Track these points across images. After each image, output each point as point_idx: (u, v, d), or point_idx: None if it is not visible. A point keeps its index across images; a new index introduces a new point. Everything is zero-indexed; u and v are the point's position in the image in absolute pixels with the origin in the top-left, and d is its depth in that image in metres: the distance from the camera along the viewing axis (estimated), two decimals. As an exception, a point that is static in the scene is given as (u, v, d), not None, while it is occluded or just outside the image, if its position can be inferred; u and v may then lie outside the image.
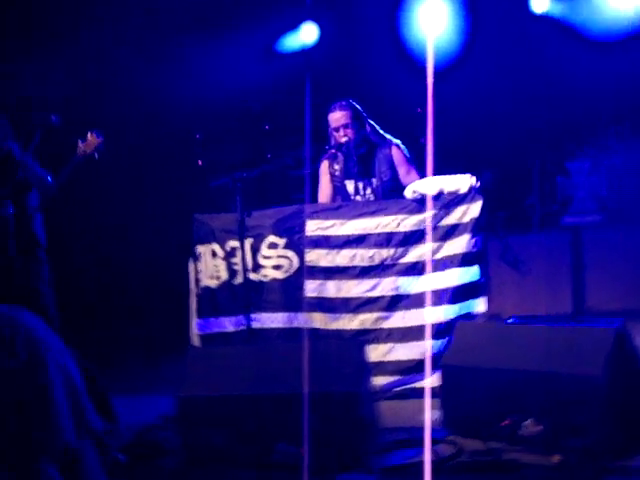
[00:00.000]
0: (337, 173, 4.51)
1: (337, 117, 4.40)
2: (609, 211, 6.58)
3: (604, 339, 3.09)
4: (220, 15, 7.19)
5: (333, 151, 4.48)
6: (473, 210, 4.00)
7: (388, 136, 4.50)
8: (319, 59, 7.29)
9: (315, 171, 4.66)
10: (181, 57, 7.13)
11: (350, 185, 4.50)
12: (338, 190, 4.54)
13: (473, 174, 4.12)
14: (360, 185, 4.48)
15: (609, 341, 3.08)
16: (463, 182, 4.03)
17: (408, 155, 4.47)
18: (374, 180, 4.44)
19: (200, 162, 7.19)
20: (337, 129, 4.41)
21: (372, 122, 4.49)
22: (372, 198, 4.44)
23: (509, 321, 3.83)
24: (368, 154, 4.45)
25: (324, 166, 4.58)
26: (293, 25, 7.46)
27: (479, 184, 4.04)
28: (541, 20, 7.22)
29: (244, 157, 6.95)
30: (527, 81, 7.07)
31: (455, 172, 4.17)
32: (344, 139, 4.39)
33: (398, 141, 4.50)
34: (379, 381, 3.96)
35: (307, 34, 7.38)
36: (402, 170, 4.43)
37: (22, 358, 1.54)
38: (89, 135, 4.18)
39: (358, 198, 4.47)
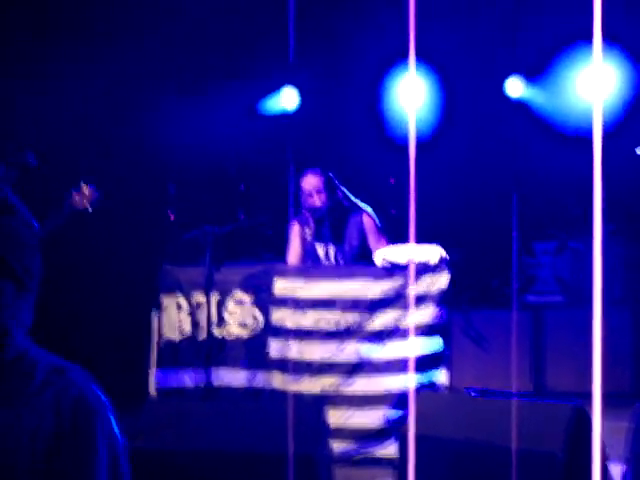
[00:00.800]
0: (308, 237, 4.55)
1: (311, 182, 4.45)
2: (571, 293, 6.69)
3: (563, 416, 3.11)
4: (203, 72, 7.30)
5: (305, 215, 4.52)
6: (441, 282, 4.05)
7: (360, 203, 4.56)
8: (298, 124, 7.41)
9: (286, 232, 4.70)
10: (162, 110, 7.19)
11: (320, 249, 4.53)
12: (308, 254, 4.56)
13: (441, 247, 4.19)
14: (330, 250, 4.51)
15: (568, 418, 3.10)
16: (433, 253, 4.09)
17: (379, 223, 4.53)
18: (344, 245, 4.48)
19: (172, 215, 7.19)
20: (310, 194, 4.46)
21: (344, 189, 4.56)
22: (341, 263, 4.48)
23: (469, 392, 3.84)
24: (339, 220, 4.50)
25: (295, 229, 4.61)
26: (274, 88, 7.60)
27: (448, 257, 4.09)
28: (515, 104, 7.46)
29: (217, 214, 6.97)
30: (499, 162, 7.25)
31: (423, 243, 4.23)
32: (317, 203, 4.44)
33: (369, 209, 4.56)
34: (337, 447, 3.91)
35: (288, 99, 7.52)
36: (372, 238, 4.47)
37: (66, 422, 1.42)
38: (83, 187, 4.09)
39: (328, 263, 4.50)
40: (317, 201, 4.43)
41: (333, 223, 4.49)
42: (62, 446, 1.40)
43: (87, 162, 6.27)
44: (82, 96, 6.68)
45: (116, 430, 1.50)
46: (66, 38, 6.36)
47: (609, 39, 6.54)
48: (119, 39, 6.62)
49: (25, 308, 1.48)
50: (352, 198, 4.55)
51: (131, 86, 6.96)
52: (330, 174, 4.52)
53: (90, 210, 4.07)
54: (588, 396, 4.73)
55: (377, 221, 4.53)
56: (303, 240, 4.56)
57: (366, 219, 4.50)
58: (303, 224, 4.56)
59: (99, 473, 1.43)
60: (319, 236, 4.52)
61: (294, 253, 4.59)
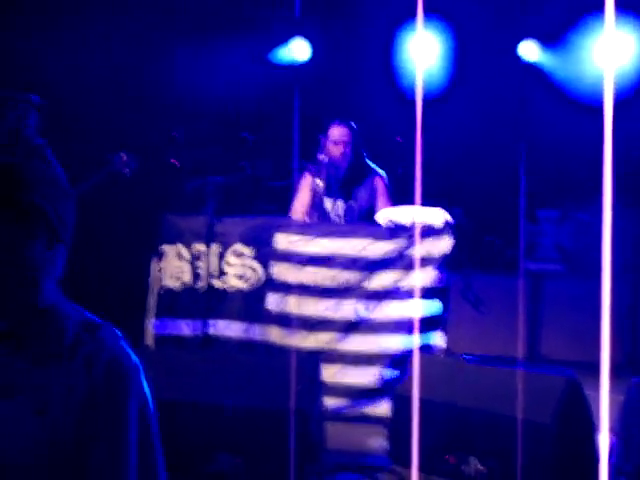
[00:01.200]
0: (318, 189, 4.51)
1: (340, 132, 4.45)
2: (571, 262, 6.68)
3: (556, 386, 3.12)
4: (213, 20, 7.19)
5: (320, 166, 4.48)
6: (444, 245, 4.03)
7: (374, 166, 4.54)
8: (308, 76, 7.32)
9: (292, 184, 4.67)
10: (169, 58, 7.11)
11: (328, 203, 4.50)
12: (316, 206, 4.53)
13: (445, 209, 4.16)
14: (339, 205, 4.49)
15: (560, 389, 3.11)
16: (438, 216, 4.06)
17: (389, 187, 4.52)
18: (352, 203, 4.46)
19: (175, 162, 7.13)
20: (336, 142, 4.43)
21: (364, 151, 4.54)
22: (344, 220, 4.45)
23: (467, 357, 3.85)
24: (353, 177, 4.47)
25: (306, 179, 4.56)
26: (284, 39, 7.49)
27: (453, 221, 4.06)
28: (528, 68, 7.35)
29: (222, 163, 6.92)
30: (509, 125, 7.17)
31: (427, 204, 4.20)
32: (339, 154, 4.40)
33: (383, 172, 4.54)
34: (329, 402, 3.93)
35: (298, 50, 7.41)
36: (382, 200, 4.47)
37: (98, 384, 1.39)
38: (123, 155, 4.21)
39: (334, 217, 4.48)
40: (340, 151, 4.39)
41: (346, 179, 4.46)
42: (94, 408, 1.39)
43: (96, 108, 6.22)
44: (92, 43, 6.60)
45: (147, 391, 1.48)
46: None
47: (624, 8, 6.41)
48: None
49: (57, 259, 1.44)
50: (368, 161, 4.54)
51: (139, 33, 6.87)
52: (357, 130, 4.50)
53: (128, 175, 4.20)
54: (582, 365, 4.76)
55: (388, 186, 4.51)
56: (313, 191, 4.52)
57: (379, 182, 4.49)
58: (315, 175, 4.52)
59: (130, 435, 1.42)
60: (329, 190, 4.50)
61: (301, 203, 4.55)
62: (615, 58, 6.71)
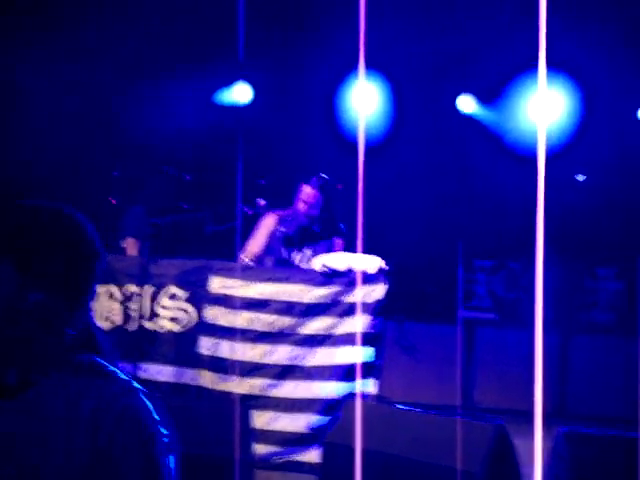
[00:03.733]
0: (279, 234, 4.49)
1: (310, 194, 4.45)
2: (505, 311, 6.80)
3: (486, 435, 3.15)
4: (157, 61, 7.21)
5: (288, 213, 4.50)
6: (378, 292, 4.05)
7: (341, 227, 4.58)
8: (250, 119, 7.37)
9: (229, 230, 4.66)
10: (116, 97, 7.09)
11: (285, 253, 4.50)
12: (273, 251, 4.51)
13: (382, 256, 4.20)
14: (296, 256, 4.48)
15: (490, 437, 3.13)
16: (372, 263, 4.09)
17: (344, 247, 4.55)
18: (307, 251, 4.46)
19: (114, 201, 7.05)
20: (305, 202, 4.45)
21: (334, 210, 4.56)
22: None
23: (397, 406, 3.86)
24: (315, 234, 4.52)
25: (270, 220, 4.53)
26: (229, 82, 7.55)
27: (388, 268, 4.10)
28: (467, 121, 7.55)
29: (161, 203, 6.87)
30: (448, 173, 7.33)
31: (366, 251, 4.24)
32: (305, 212, 4.44)
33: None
34: (260, 450, 3.88)
35: (241, 93, 7.47)
36: None
37: (100, 443, 1.31)
38: None
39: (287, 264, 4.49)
40: (306, 211, 4.45)
41: (308, 235, 4.51)
42: (109, 462, 1.31)
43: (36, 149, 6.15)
44: (35, 82, 6.56)
45: (166, 440, 1.39)
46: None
47: (556, 67, 6.68)
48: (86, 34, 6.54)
49: (55, 310, 1.39)
50: (336, 223, 4.56)
51: (83, 75, 6.86)
52: (330, 191, 4.49)
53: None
54: (513, 413, 4.82)
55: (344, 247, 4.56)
56: (272, 235, 4.49)
57: (338, 243, 4.54)
58: (281, 222, 4.50)
59: None
60: (290, 241, 4.49)
61: (257, 243, 4.49)
62: (547, 113, 6.97)
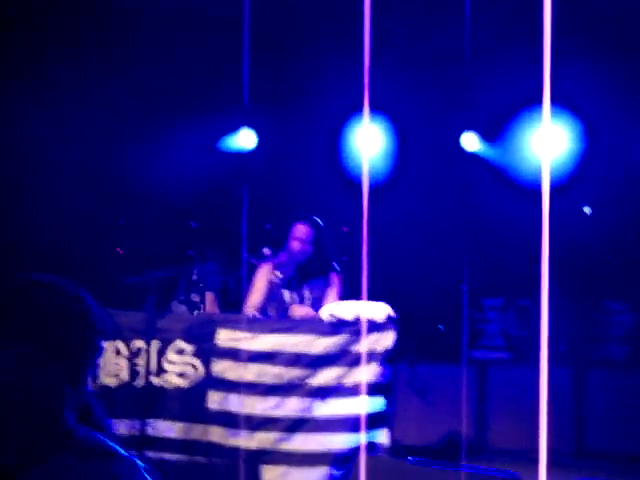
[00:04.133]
0: (277, 280, 4.53)
1: (303, 231, 4.51)
2: (517, 349, 6.73)
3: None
4: (161, 108, 7.27)
5: (281, 258, 4.55)
6: (386, 340, 4.01)
7: (335, 264, 4.59)
8: (255, 165, 7.41)
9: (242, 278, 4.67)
10: (118, 144, 7.14)
11: (287, 295, 4.52)
12: (274, 297, 4.53)
13: (389, 301, 4.17)
14: (296, 296, 4.51)
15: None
16: (380, 310, 4.06)
17: (342, 285, 4.56)
18: (308, 294, 4.49)
19: (120, 250, 7.07)
20: (298, 240, 4.48)
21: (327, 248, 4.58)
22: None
23: (408, 458, 3.80)
24: (311, 272, 4.54)
25: (264, 270, 4.58)
26: (233, 128, 7.60)
27: (395, 315, 4.07)
28: (470, 157, 7.56)
29: (168, 250, 6.88)
30: (452, 212, 7.32)
31: (372, 294, 4.22)
32: (299, 251, 4.48)
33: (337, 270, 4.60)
34: (272, 506, 3.81)
35: (245, 139, 7.51)
36: (332, 295, 4.48)
37: None
38: None
39: (296, 306, 4.49)
40: (300, 249, 4.49)
41: (305, 273, 4.53)
42: None
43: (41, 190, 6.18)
44: (40, 129, 6.62)
45: None
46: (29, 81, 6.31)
47: (560, 102, 6.70)
48: (89, 82, 6.61)
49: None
50: (332, 260, 4.58)
51: (87, 122, 6.91)
52: (321, 228, 4.53)
53: None
54: (530, 453, 4.74)
55: (342, 285, 4.57)
56: (270, 283, 4.53)
57: (335, 279, 4.57)
58: (275, 267, 4.53)
59: None
60: (288, 283, 4.52)
61: (258, 294, 4.54)
62: (551, 148, 6.97)
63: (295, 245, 4.49)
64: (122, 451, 1.37)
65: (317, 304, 4.47)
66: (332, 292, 4.50)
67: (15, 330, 1.34)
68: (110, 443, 1.38)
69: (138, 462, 1.37)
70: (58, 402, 1.35)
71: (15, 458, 1.33)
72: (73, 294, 1.42)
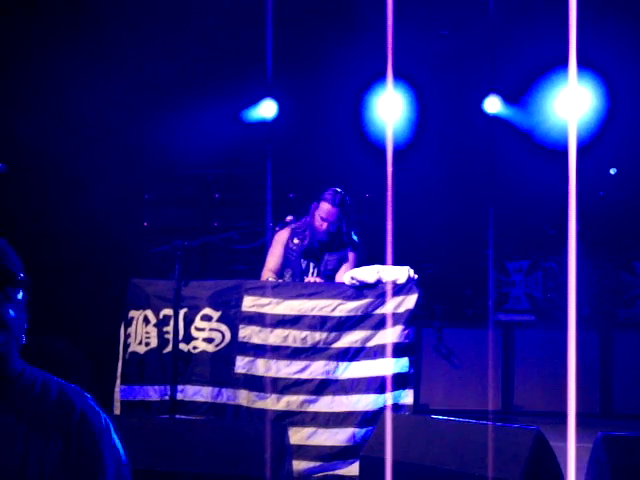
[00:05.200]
0: (295, 247, 4.56)
1: (329, 211, 4.48)
2: (542, 312, 6.73)
3: (524, 442, 3.12)
4: (184, 82, 7.31)
5: (303, 228, 4.56)
6: (409, 302, 4.05)
7: (355, 238, 4.60)
8: (278, 134, 7.43)
9: (260, 247, 4.71)
10: (148, 119, 7.21)
11: (304, 264, 4.56)
12: (291, 264, 4.57)
13: (412, 264, 4.21)
14: (311, 266, 4.55)
15: (528, 444, 3.11)
16: (401, 273, 4.10)
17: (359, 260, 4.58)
18: (323, 267, 4.52)
19: (146, 223, 7.16)
20: (323, 219, 4.49)
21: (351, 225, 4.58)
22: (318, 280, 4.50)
23: (432, 416, 3.85)
24: (330, 247, 4.55)
25: (282, 236, 4.61)
26: (255, 99, 7.62)
27: (417, 276, 4.11)
28: (493, 120, 7.51)
29: (191, 224, 6.97)
30: (475, 176, 7.30)
31: (397, 258, 4.27)
32: (322, 229, 4.49)
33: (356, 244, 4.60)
34: (300, 466, 3.90)
35: (267, 110, 7.53)
36: (343, 270, 4.51)
37: (73, 445, 1.44)
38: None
39: (308, 277, 4.53)
40: (324, 228, 4.49)
41: (323, 247, 4.55)
42: (69, 472, 1.41)
43: (65, 172, 6.27)
44: (64, 105, 6.68)
45: (120, 450, 1.50)
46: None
47: (584, 63, 6.62)
48: (114, 53, 6.65)
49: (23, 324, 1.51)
50: (353, 235, 4.58)
51: (111, 96, 6.96)
52: (348, 207, 4.51)
53: None
54: (556, 415, 4.78)
55: (357, 257, 4.58)
56: (285, 248, 4.56)
57: (351, 256, 4.58)
58: (294, 235, 4.55)
59: None
60: (306, 251, 4.55)
61: (274, 260, 4.59)
62: (576, 109, 6.91)
63: (319, 224, 4.50)
64: (64, 381, 1.51)
65: (332, 277, 4.52)
66: (346, 268, 4.52)
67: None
68: (53, 376, 1.52)
69: (83, 391, 1.52)
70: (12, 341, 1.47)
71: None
72: None
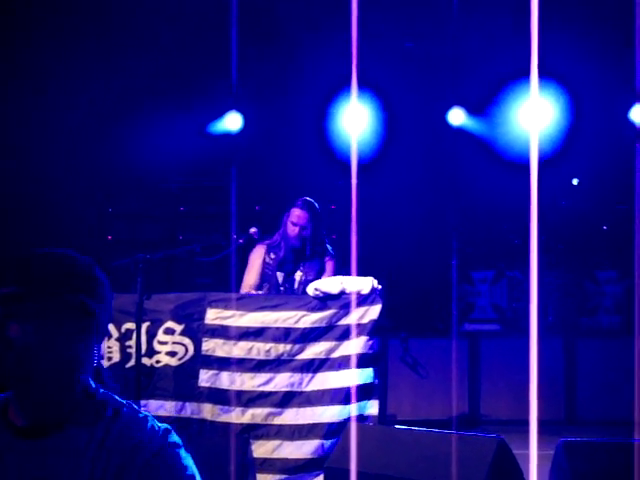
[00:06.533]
0: (271, 262, 4.57)
1: (300, 215, 4.52)
2: (507, 321, 6.79)
3: (486, 449, 3.13)
4: (148, 94, 7.28)
5: (276, 240, 4.57)
6: (372, 312, 4.06)
7: (329, 247, 4.63)
8: (243, 147, 7.43)
9: (224, 260, 4.69)
10: (105, 128, 7.16)
11: (280, 276, 4.56)
12: (268, 278, 4.58)
13: (377, 276, 4.22)
14: (289, 279, 4.56)
15: (490, 452, 3.12)
16: (365, 284, 4.10)
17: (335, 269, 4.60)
18: (302, 276, 4.52)
19: (110, 237, 7.10)
20: (295, 224, 4.51)
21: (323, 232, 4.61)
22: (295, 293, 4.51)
23: (396, 426, 3.85)
24: (305, 255, 4.56)
25: (258, 252, 4.63)
26: (220, 112, 7.61)
27: (381, 287, 4.12)
28: (457, 132, 7.59)
29: (157, 235, 6.92)
30: (440, 188, 7.36)
31: (362, 270, 4.27)
32: (294, 234, 4.50)
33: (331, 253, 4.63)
34: (265, 479, 3.87)
35: (232, 122, 7.53)
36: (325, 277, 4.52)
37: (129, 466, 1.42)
38: None
39: (284, 290, 4.53)
40: (296, 233, 4.51)
41: (299, 256, 4.56)
42: None
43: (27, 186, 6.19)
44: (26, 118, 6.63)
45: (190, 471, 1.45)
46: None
47: (547, 75, 6.72)
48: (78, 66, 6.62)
49: (94, 351, 1.50)
50: (326, 243, 4.60)
51: (77, 107, 6.92)
52: (318, 212, 4.54)
53: None
54: (523, 423, 4.82)
55: (335, 268, 4.60)
56: (264, 264, 4.58)
57: (329, 264, 4.60)
58: (270, 249, 4.56)
59: None
60: (281, 265, 4.55)
61: (253, 274, 4.60)
62: (539, 120, 7.00)
63: (291, 230, 4.52)
64: (145, 412, 1.51)
65: (306, 284, 4.52)
66: (325, 276, 4.54)
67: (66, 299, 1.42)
68: (121, 401, 1.51)
69: (161, 424, 1.50)
70: (84, 366, 1.46)
71: (53, 417, 1.43)
72: (92, 263, 1.50)
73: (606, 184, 7.32)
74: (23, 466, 1.40)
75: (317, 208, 4.59)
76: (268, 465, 3.92)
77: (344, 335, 4.06)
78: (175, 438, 1.47)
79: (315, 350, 4.07)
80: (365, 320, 4.06)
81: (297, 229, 4.51)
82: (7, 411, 1.47)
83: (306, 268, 4.56)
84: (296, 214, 4.52)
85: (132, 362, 4.08)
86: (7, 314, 1.40)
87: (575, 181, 7.56)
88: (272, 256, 4.60)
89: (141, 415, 1.48)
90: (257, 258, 4.63)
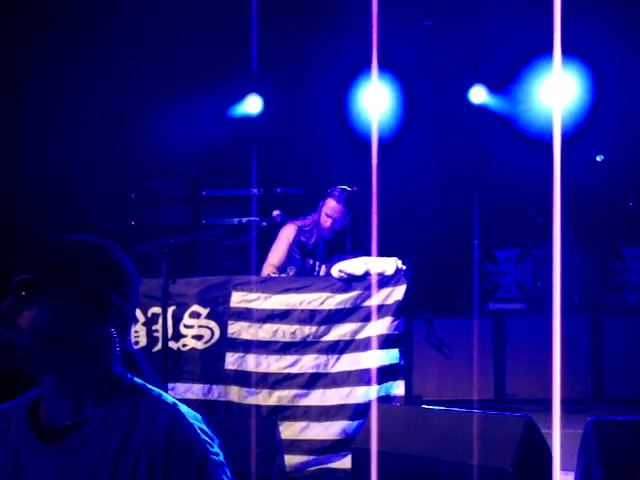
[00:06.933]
0: (300, 246, 4.55)
1: (334, 207, 4.47)
2: (532, 300, 6.75)
3: (514, 429, 3.12)
4: (169, 80, 7.28)
5: (310, 224, 4.53)
6: (397, 293, 4.05)
7: (364, 244, 4.58)
8: (263, 130, 7.41)
9: (248, 242, 4.69)
10: (126, 114, 7.17)
11: (310, 262, 4.55)
12: (294, 261, 4.55)
13: (400, 257, 4.20)
14: (317, 265, 4.54)
15: (519, 431, 3.11)
16: (389, 264, 4.09)
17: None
18: (323, 270, 4.51)
19: (133, 222, 7.14)
20: (329, 215, 4.48)
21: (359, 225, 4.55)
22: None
23: (422, 406, 3.85)
24: (337, 246, 4.53)
25: (287, 231, 4.59)
26: (240, 95, 7.59)
27: (405, 267, 4.10)
28: (479, 110, 7.51)
29: (180, 220, 6.95)
30: (462, 167, 7.30)
31: (384, 252, 4.25)
32: (327, 225, 4.47)
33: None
34: (293, 460, 3.90)
35: (252, 106, 7.51)
36: None
37: (155, 470, 1.39)
38: None
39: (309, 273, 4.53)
40: (329, 225, 4.48)
41: (330, 246, 4.54)
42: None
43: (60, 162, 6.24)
44: (45, 104, 6.65)
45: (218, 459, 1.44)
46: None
47: (569, 51, 6.62)
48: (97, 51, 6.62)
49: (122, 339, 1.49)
50: (361, 239, 4.56)
51: (95, 94, 6.93)
52: (355, 206, 4.48)
53: None
54: (548, 402, 4.81)
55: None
56: (291, 245, 4.54)
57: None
58: (302, 232, 4.53)
59: None
60: (312, 250, 4.54)
61: (278, 254, 4.56)
62: (562, 96, 6.91)
63: (324, 220, 4.48)
64: (167, 396, 1.47)
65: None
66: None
67: (65, 286, 1.41)
68: (154, 390, 1.48)
69: (184, 407, 1.47)
70: (109, 352, 1.45)
71: (70, 419, 1.41)
72: (111, 249, 1.49)
73: (630, 160, 7.22)
74: (45, 471, 1.38)
75: (354, 201, 4.51)
76: (295, 446, 3.94)
77: (369, 316, 4.06)
78: (203, 426, 1.45)
79: (340, 332, 4.07)
80: (390, 301, 4.05)
81: (330, 221, 4.46)
82: (37, 410, 1.46)
83: (337, 262, 4.51)
84: (331, 206, 4.47)
85: (159, 346, 4.12)
86: (20, 301, 1.38)
87: (599, 158, 7.46)
88: (302, 239, 4.55)
89: (170, 402, 1.45)
90: (285, 238, 4.58)
